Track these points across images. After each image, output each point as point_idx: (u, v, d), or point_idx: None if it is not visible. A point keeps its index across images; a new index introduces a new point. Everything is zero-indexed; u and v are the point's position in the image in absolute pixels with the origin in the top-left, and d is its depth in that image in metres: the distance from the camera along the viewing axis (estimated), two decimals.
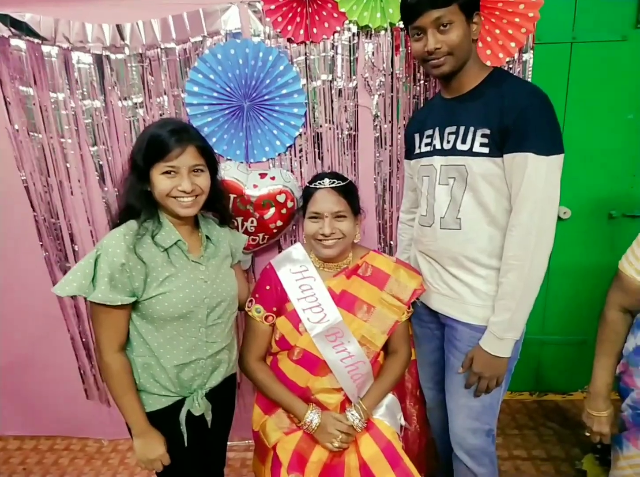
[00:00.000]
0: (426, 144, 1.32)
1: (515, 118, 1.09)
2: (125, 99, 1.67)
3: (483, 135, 1.15)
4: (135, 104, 1.67)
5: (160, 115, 1.68)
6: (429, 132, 1.31)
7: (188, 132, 1.13)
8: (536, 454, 1.99)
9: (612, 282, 1.21)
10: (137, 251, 1.07)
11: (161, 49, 1.62)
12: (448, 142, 1.23)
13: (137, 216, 1.12)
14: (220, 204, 1.32)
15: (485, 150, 1.15)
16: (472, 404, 1.31)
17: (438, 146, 1.27)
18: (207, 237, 1.24)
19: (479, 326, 1.25)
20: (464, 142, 1.19)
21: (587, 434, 1.28)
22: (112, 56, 1.62)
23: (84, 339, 2.00)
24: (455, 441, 1.38)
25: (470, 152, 1.17)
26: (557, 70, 1.87)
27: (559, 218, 2.04)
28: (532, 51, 1.57)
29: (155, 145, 1.08)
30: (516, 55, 1.58)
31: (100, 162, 1.74)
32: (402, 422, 1.41)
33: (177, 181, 1.10)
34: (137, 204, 1.12)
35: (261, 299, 1.35)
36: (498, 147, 1.13)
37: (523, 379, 2.33)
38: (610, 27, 1.81)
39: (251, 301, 1.36)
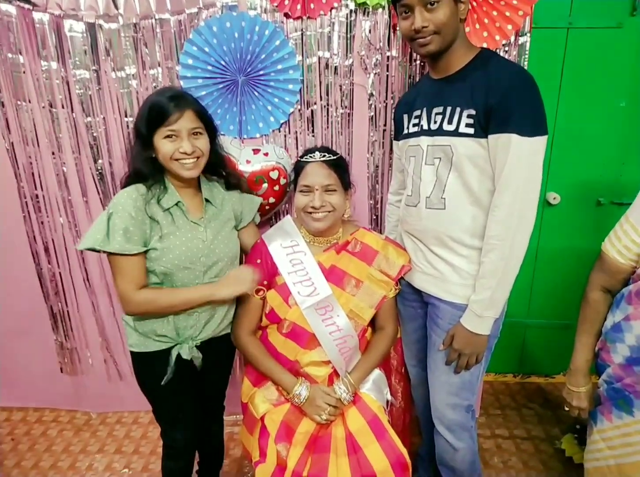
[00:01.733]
0: (414, 125, 1.33)
1: (500, 99, 1.09)
2: (118, 69, 1.65)
3: (469, 116, 1.15)
4: (129, 75, 1.66)
5: (155, 87, 1.66)
6: (417, 112, 1.31)
7: (185, 98, 1.21)
8: (517, 433, 2.05)
9: (594, 264, 1.24)
10: (145, 208, 1.19)
11: (155, 19, 1.59)
12: (435, 122, 1.24)
13: (144, 180, 1.22)
14: (225, 169, 1.39)
15: (471, 131, 1.16)
16: (452, 380, 1.34)
17: (425, 126, 1.27)
18: (206, 200, 1.31)
19: (460, 304, 1.27)
20: (450, 122, 1.19)
21: (567, 408, 1.32)
22: (105, 25, 1.60)
23: (62, 313, 2.01)
24: (436, 416, 1.41)
25: (456, 133, 1.18)
26: (552, 55, 1.87)
27: (549, 203, 2.07)
28: (529, 35, 1.57)
29: (156, 111, 1.17)
30: (513, 38, 1.58)
31: (94, 134, 1.72)
32: (389, 397, 1.44)
33: (178, 144, 1.19)
34: (144, 169, 1.21)
35: None
36: (483, 128, 1.14)
37: (507, 361, 2.38)
38: (607, 13, 1.82)
39: None
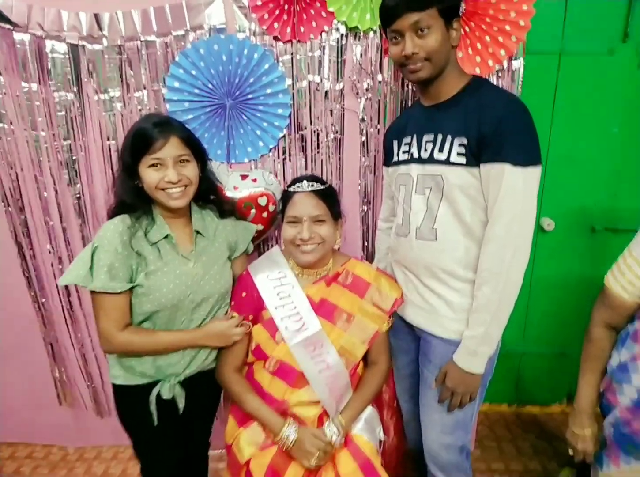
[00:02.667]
0: (404, 152, 1.29)
1: (493, 128, 1.06)
2: (102, 92, 1.59)
3: (460, 145, 1.12)
4: (112, 97, 1.60)
5: (140, 110, 1.61)
6: (407, 139, 1.28)
7: (170, 124, 1.16)
8: (514, 467, 1.97)
9: (597, 298, 1.19)
10: (131, 242, 1.13)
11: (141, 41, 1.55)
12: (426, 150, 1.21)
13: (130, 211, 1.16)
14: (216, 196, 1.33)
15: (462, 160, 1.12)
16: (445, 419, 1.28)
17: (415, 154, 1.24)
18: (197, 231, 1.25)
19: (453, 340, 1.22)
20: (441, 151, 1.16)
21: (571, 452, 1.25)
22: (89, 46, 1.55)
23: (55, 345, 1.91)
24: (429, 457, 1.35)
25: (447, 162, 1.15)
26: (545, 80, 1.85)
27: (543, 230, 2.03)
28: (522, 60, 1.55)
29: (140, 139, 1.12)
30: (505, 64, 1.56)
31: (74, 157, 1.65)
32: (381, 436, 1.37)
33: (163, 173, 1.13)
34: (130, 200, 1.16)
35: (237, 306, 1.30)
36: (475, 158, 1.11)
37: (502, 390, 2.31)
38: (598, 39, 1.80)
39: (227, 308, 1.31)
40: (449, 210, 1.18)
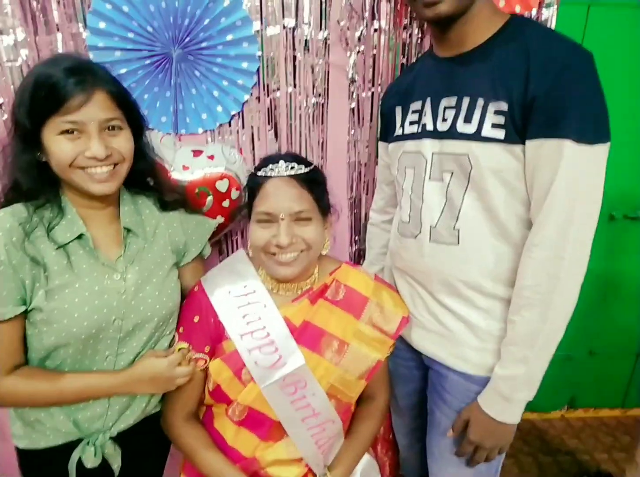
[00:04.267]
0: (412, 123, 1.03)
1: (547, 88, 0.81)
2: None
3: (497, 112, 0.86)
4: (16, 42, 1.20)
5: None
6: (417, 105, 1.02)
7: (94, 72, 0.84)
8: None
9: None
10: (24, 244, 0.83)
11: None
12: (444, 120, 0.95)
13: (27, 198, 0.87)
14: (156, 179, 1.03)
15: (500, 134, 0.87)
16: (463, 473, 1.05)
17: (430, 126, 0.98)
18: (127, 229, 0.94)
19: (477, 377, 0.98)
20: (468, 121, 0.90)
21: None
22: None
23: None
24: None
25: (477, 136, 0.89)
26: (570, 35, 1.56)
27: None
28: (556, 7, 1.26)
29: (45, 91, 0.79)
30: (534, 12, 1.26)
31: None
32: None
33: (82, 144, 0.82)
34: (27, 182, 0.86)
35: (187, 334, 0.97)
36: (518, 130, 0.85)
37: None
38: None
39: (173, 336, 0.98)
40: (477, 204, 0.92)
